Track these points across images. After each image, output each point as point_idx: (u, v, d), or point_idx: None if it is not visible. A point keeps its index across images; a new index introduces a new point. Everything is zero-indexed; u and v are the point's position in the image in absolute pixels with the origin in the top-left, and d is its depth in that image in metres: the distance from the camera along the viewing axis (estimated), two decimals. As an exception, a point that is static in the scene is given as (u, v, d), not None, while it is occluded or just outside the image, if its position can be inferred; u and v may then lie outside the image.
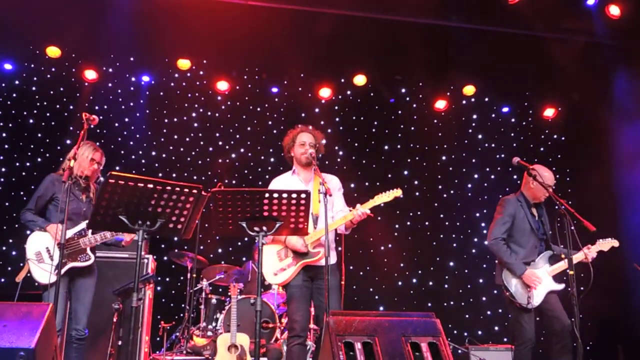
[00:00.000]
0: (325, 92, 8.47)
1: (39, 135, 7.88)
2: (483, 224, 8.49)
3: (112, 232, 4.47)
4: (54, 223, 4.42)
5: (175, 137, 8.31)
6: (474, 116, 8.92)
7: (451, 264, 8.51)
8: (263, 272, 4.34)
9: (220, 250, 8.05)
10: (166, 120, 8.33)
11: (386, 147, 8.78)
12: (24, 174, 7.70)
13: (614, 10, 6.96)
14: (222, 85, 8.25)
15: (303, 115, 8.49)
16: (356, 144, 8.69)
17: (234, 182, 8.19)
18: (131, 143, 8.08)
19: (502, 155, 8.65)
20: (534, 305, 4.56)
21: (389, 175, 8.65)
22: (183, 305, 6.61)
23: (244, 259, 7.69)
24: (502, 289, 4.72)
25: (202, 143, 8.37)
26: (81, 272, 4.53)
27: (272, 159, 8.44)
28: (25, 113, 7.89)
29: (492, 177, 8.78)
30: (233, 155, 8.41)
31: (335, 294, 4.22)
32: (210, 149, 8.37)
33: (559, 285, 4.65)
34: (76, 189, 4.59)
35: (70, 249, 4.44)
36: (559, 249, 4.82)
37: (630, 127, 7.63)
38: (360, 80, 8.40)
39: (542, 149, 8.79)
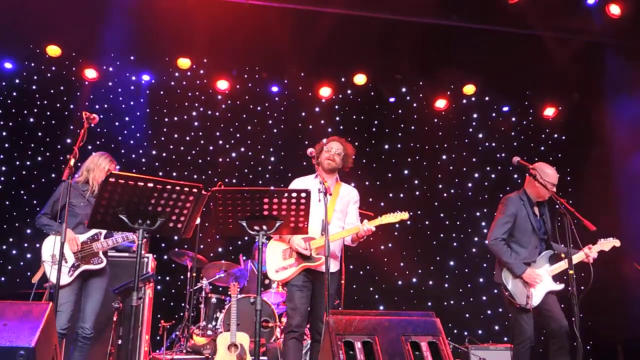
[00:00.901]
0: (325, 92, 8.47)
1: (39, 134, 7.88)
2: (483, 223, 8.49)
3: (123, 236, 4.64)
4: (69, 228, 4.51)
5: (176, 136, 8.31)
6: (474, 115, 8.91)
7: (451, 263, 8.51)
8: (267, 268, 4.45)
9: (220, 249, 8.06)
10: (166, 120, 8.33)
11: (386, 147, 8.78)
12: (24, 173, 7.71)
13: (614, 10, 6.95)
14: (222, 85, 8.25)
15: (303, 114, 8.50)
16: (356, 143, 8.57)
17: (234, 181, 8.19)
18: (131, 142, 8.08)
19: (503, 155, 8.65)
20: (533, 305, 4.55)
21: (389, 175, 8.66)
22: (183, 304, 6.61)
23: (243, 258, 7.69)
24: (502, 288, 4.71)
25: (202, 142, 8.37)
26: (93, 274, 4.66)
27: (272, 158, 8.44)
28: (25, 112, 7.90)
29: (493, 176, 8.78)
30: (233, 155, 8.41)
31: (331, 301, 4.28)
32: (211, 148, 8.37)
33: (559, 286, 4.64)
34: (90, 195, 4.72)
35: (83, 253, 4.59)
36: (559, 248, 4.81)
37: (630, 126, 7.62)
38: (360, 79, 8.40)
39: (542, 148, 8.78)
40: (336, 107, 8.69)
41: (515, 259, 4.65)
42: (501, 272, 4.72)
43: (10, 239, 7.52)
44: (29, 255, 7.36)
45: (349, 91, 8.67)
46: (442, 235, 8.59)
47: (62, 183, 4.70)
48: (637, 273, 5.97)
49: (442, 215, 8.64)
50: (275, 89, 8.51)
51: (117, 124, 8.03)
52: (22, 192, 7.63)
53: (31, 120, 7.91)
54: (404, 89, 8.78)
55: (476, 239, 8.54)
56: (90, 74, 7.88)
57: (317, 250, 4.28)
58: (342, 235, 4.39)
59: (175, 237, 7.28)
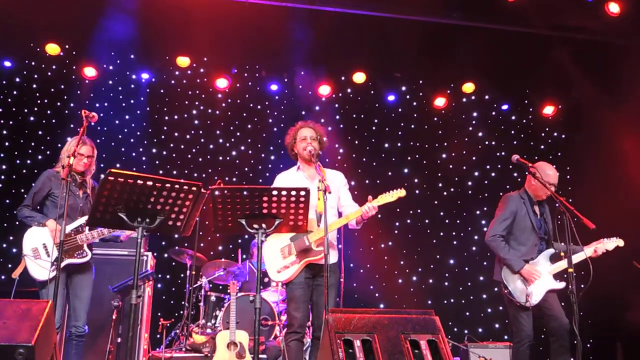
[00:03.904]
0: (325, 90, 8.46)
1: (40, 132, 7.87)
2: (483, 222, 8.49)
3: (109, 228, 4.43)
4: (53, 219, 4.40)
5: (176, 134, 8.31)
6: (474, 114, 8.91)
7: (451, 261, 8.52)
8: (267, 269, 4.35)
9: (220, 248, 8.06)
10: (166, 118, 8.33)
11: (386, 145, 8.78)
12: (24, 171, 7.70)
13: (614, 8, 6.95)
14: (222, 83, 8.25)
15: (303, 113, 8.48)
16: (356, 142, 8.69)
17: (234, 179, 8.20)
18: (131, 140, 8.08)
19: (503, 153, 8.64)
20: (532, 303, 4.56)
21: (389, 173, 8.65)
22: (182, 303, 6.61)
23: (243, 256, 7.70)
24: (501, 286, 4.72)
25: (202, 141, 8.36)
26: (78, 269, 4.51)
27: (272, 157, 8.44)
28: (25, 110, 7.89)
29: (493, 174, 8.78)
30: (233, 153, 8.42)
31: (333, 292, 4.23)
32: (211, 146, 8.37)
33: (559, 284, 4.65)
34: (72, 184, 4.54)
35: (67, 246, 4.40)
36: (560, 247, 4.81)
37: (630, 124, 7.61)
38: (359, 77, 8.40)
39: (542, 146, 8.78)
40: (336, 105, 8.69)
41: (513, 255, 4.66)
42: (501, 270, 4.73)
43: (10, 237, 7.51)
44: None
45: (348, 90, 8.67)
46: (442, 233, 8.60)
47: (43, 173, 4.63)
48: (637, 271, 5.96)
49: (442, 213, 8.64)
50: (274, 87, 8.50)
51: (117, 122, 8.03)
52: (22, 190, 7.61)
53: (31, 118, 7.90)
54: (403, 88, 8.78)
55: (476, 237, 8.54)
56: (90, 72, 7.87)
57: (317, 243, 4.18)
58: (341, 223, 4.27)
59: (175, 236, 7.28)
